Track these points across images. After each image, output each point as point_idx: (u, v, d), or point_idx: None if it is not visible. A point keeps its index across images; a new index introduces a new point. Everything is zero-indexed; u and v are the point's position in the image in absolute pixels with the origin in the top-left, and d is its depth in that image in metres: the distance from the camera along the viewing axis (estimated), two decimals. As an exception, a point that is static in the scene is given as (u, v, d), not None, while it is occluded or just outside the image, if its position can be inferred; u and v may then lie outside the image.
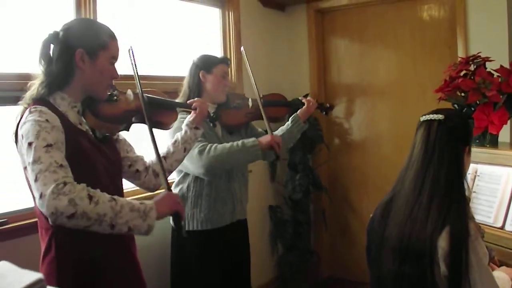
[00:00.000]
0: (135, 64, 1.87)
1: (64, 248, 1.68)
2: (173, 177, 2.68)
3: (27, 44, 2.33)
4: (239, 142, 2.49)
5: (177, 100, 2.54)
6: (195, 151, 2.43)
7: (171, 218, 1.75)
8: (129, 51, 1.87)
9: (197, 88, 2.62)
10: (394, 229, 1.63)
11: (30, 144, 1.53)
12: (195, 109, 2.18)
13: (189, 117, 2.18)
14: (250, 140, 2.51)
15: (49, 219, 1.46)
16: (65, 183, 1.47)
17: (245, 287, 2.83)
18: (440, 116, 1.64)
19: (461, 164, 1.64)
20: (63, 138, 1.60)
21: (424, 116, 1.70)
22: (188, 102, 2.25)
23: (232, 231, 2.69)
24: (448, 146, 1.61)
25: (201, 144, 2.46)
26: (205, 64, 2.64)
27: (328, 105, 3.14)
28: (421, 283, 1.53)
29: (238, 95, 2.93)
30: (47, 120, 1.58)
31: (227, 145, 2.49)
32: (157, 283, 2.85)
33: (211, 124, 2.52)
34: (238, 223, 2.73)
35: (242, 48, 2.76)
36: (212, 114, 2.34)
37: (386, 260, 1.64)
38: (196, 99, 2.26)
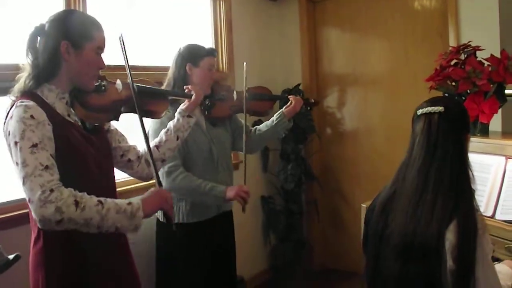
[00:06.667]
0: (126, 52, 1.82)
1: (53, 239, 1.68)
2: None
3: (20, 35, 2.32)
4: (208, 186, 2.49)
5: None
6: (164, 168, 2.45)
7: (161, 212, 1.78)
8: (119, 39, 1.82)
9: (182, 80, 2.56)
10: (396, 229, 1.56)
11: (16, 143, 1.55)
12: (189, 97, 2.20)
13: (182, 105, 2.20)
14: (217, 190, 2.50)
15: (39, 225, 1.51)
16: (51, 190, 1.49)
17: (231, 278, 2.82)
18: (440, 108, 1.56)
19: (466, 155, 1.58)
20: (50, 133, 1.60)
21: (421, 109, 1.61)
22: (184, 87, 2.29)
23: (217, 222, 2.68)
24: (452, 139, 1.54)
25: (173, 164, 2.48)
26: (192, 56, 2.58)
27: (313, 100, 3.12)
28: (427, 284, 1.48)
29: (223, 86, 2.88)
30: (31, 116, 1.57)
31: (196, 182, 2.49)
32: (142, 276, 2.84)
33: (206, 112, 2.49)
34: (223, 215, 2.72)
35: (245, 64, 2.70)
36: (207, 102, 2.31)
37: (387, 260, 1.59)
38: (191, 86, 2.28)
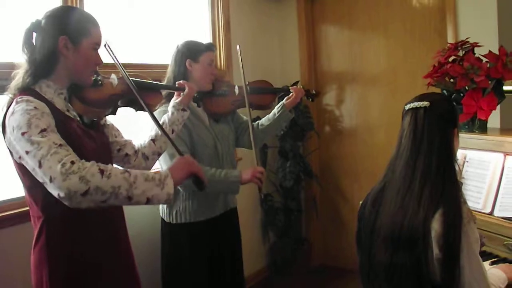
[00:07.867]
0: (115, 56, 1.86)
1: (55, 237, 1.68)
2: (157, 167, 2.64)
3: (12, 33, 2.31)
4: (223, 173, 2.47)
5: None
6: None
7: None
8: (105, 46, 1.85)
9: (182, 77, 2.54)
10: (386, 219, 1.61)
11: (23, 134, 1.52)
12: (182, 89, 2.23)
13: (174, 99, 2.23)
14: (233, 175, 2.48)
15: (66, 201, 1.46)
16: (72, 162, 1.46)
17: (238, 274, 2.81)
18: (426, 103, 1.62)
19: (452, 149, 1.62)
20: (54, 123, 1.59)
21: (409, 104, 1.67)
22: (177, 83, 2.31)
23: (224, 220, 2.68)
24: (437, 133, 1.59)
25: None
26: (192, 52, 2.57)
27: (314, 91, 3.12)
28: (415, 272, 1.51)
29: (224, 82, 2.88)
30: (35, 108, 1.57)
31: (209, 171, 2.46)
32: (147, 274, 2.84)
33: (196, 105, 2.49)
34: (230, 212, 2.72)
35: (238, 47, 2.70)
36: (195, 94, 2.33)
37: (378, 251, 1.62)
38: (183, 81, 2.32)
